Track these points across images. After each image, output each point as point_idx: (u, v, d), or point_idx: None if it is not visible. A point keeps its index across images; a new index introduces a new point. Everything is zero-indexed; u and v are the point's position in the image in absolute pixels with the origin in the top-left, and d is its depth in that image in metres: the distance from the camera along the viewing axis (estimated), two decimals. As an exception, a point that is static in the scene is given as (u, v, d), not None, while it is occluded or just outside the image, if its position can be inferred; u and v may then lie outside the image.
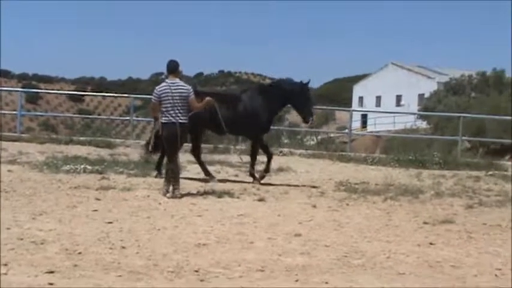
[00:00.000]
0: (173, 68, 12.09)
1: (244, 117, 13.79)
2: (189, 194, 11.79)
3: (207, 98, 12.58)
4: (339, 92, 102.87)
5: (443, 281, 6.79)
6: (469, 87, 53.36)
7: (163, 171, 12.61)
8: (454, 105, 39.19)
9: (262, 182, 13.65)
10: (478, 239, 9.20)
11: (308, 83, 13.88)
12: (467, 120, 27.01)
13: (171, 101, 11.68)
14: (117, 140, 21.05)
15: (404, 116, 48.43)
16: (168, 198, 11.29)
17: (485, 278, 7.01)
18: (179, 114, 11.68)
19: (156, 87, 12.11)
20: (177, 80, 11.96)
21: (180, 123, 11.68)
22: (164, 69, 12.54)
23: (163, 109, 11.74)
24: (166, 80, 12.03)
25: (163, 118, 11.75)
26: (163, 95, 11.74)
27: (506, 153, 31.00)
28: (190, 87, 12.07)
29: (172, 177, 11.69)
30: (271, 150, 14.40)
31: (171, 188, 11.61)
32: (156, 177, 13.40)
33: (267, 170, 14.05)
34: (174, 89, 11.74)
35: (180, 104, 11.71)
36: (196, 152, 14.18)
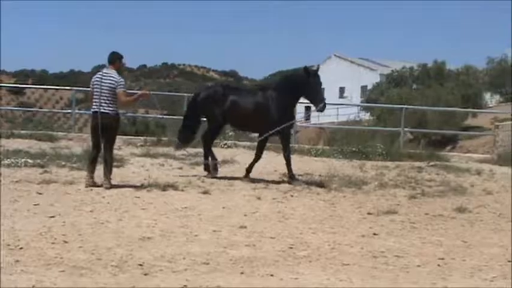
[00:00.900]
0: (111, 59, 12.17)
1: (257, 114, 13.61)
2: (133, 187, 11.69)
3: (141, 91, 12.72)
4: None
5: (387, 271, 6.86)
6: (410, 79, 54.13)
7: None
8: (396, 96, 39.67)
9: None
10: (421, 229, 9.35)
11: (317, 69, 13.73)
12: (409, 112, 27.40)
13: (99, 91, 11.77)
14: (59, 133, 20.69)
15: (348, 107, 48.81)
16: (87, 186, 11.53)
17: (428, 267, 7.12)
18: (104, 104, 11.72)
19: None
20: (113, 71, 11.96)
21: (103, 112, 11.70)
22: (103, 61, 12.50)
23: (93, 98, 11.86)
24: (102, 70, 12.05)
25: (92, 107, 11.93)
26: (95, 84, 11.86)
27: (447, 144, 31.55)
28: (121, 80, 11.99)
29: (106, 166, 11.77)
30: (261, 153, 13.95)
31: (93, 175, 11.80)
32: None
33: (249, 169, 13.67)
34: (105, 79, 11.78)
35: (107, 94, 11.75)
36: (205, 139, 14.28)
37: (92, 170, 11.78)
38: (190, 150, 15.48)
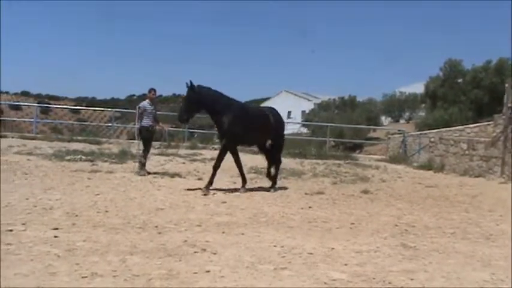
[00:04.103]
0: (148, 91, 12.54)
1: None
2: (152, 174, 11.61)
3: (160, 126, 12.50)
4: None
5: (317, 231, 6.87)
6: (333, 106, 54.40)
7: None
8: (325, 118, 39.77)
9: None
10: (340, 204, 9.39)
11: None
12: (332, 128, 27.50)
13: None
14: (103, 139, 20.57)
15: (293, 124, 48.99)
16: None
17: (344, 229, 7.14)
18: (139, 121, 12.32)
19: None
20: (146, 100, 12.39)
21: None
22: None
23: None
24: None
25: None
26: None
27: (356, 149, 31.75)
28: (140, 105, 12.23)
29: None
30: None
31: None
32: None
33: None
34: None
35: (139, 115, 12.22)
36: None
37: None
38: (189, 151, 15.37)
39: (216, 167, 10.19)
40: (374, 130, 39.52)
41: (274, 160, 11.20)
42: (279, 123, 11.15)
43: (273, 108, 11.51)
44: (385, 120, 54.35)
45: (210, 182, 10.00)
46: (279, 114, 11.33)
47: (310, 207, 8.80)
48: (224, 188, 10.49)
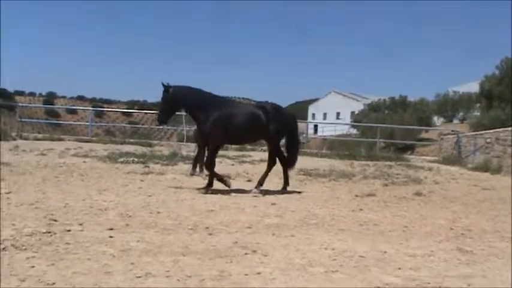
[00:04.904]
0: None
1: None
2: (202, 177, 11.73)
3: None
4: (299, 110, 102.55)
5: (369, 234, 6.76)
6: (383, 107, 53.51)
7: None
8: (374, 119, 39.17)
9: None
10: (392, 206, 9.20)
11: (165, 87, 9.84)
12: (382, 129, 27.07)
13: None
14: (155, 141, 20.94)
15: (342, 125, 48.57)
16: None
17: (396, 232, 6.99)
18: None
19: None
20: None
21: None
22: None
23: None
24: None
25: None
26: None
27: (408, 150, 31.12)
28: None
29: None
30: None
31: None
32: None
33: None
34: None
35: None
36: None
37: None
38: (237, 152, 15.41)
39: (210, 167, 10.07)
40: (426, 131, 38.65)
41: (287, 162, 10.80)
42: (279, 121, 10.31)
43: (275, 107, 10.64)
44: (437, 120, 53.09)
45: (211, 183, 9.99)
46: (280, 113, 10.52)
47: (361, 209, 8.66)
48: (273, 189, 10.50)
